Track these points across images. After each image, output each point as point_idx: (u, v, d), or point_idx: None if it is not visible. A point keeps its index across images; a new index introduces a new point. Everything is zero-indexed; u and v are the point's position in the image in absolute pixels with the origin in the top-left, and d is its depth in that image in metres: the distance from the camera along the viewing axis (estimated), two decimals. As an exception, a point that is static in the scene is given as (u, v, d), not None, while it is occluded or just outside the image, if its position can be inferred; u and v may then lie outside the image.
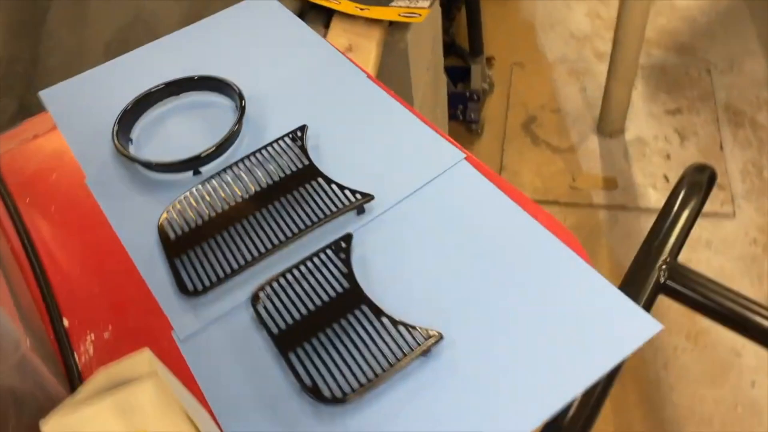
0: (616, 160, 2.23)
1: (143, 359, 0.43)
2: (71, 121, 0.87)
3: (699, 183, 0.97)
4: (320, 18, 1.42)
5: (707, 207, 1.02)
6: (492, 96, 2.43)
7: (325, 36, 1.35)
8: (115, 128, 0.81)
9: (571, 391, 0.56)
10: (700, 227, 2.06)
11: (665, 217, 0.93)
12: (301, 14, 1.42)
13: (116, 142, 0.79)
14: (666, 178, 2.17)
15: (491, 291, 0.64)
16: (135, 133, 0.85)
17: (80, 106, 0.89)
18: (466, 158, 0.76)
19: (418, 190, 0.74)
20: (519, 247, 0.67)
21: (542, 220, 0.69)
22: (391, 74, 1.35)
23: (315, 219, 0.70)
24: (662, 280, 0.90)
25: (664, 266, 0.90)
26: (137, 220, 0.75)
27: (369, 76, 0.88)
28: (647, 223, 2.11)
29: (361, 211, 0.72)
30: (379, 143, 0.80)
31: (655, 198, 2.13)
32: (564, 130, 2.32)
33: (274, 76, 0.90)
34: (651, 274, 0.90)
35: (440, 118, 1.85)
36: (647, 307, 0.93)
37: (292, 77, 0.89)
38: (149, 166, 0.78)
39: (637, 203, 2.13)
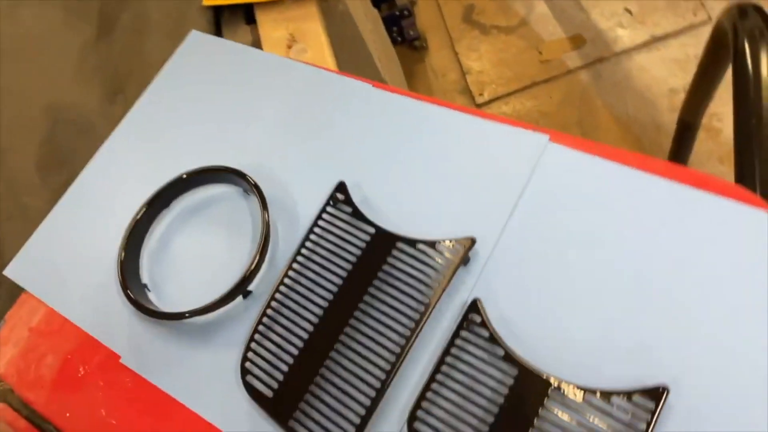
0: (572, 15, 2.07)
1: None
2: (63, 294, 0.69)
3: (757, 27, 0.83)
4: (238, 17, 1.22)
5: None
6: (418, 5, 2.23)
7: (257, 36, 1.15)
8: (120, 280, 0.64)
9: None
10: None
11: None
12: (217, 22, 1.21)
13: (131, 298, 0.63)
14: (628, 11, 2.03)
15: (686, 296, 0.52)
16: (145, 275, 0.68)
17: (62, 271, 0.71)
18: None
19: (518, 204, 0.59)
20: (670, 219, 0.54)
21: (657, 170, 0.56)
22: (343, 43, 1.17)
23: (423, 299, 0.56)
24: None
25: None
26: (213, 389, 0.60)
27: (376, 85, 0.71)
28: (630, 63, 1.99)
29: (467, 261, 0.58)
30: (439, 166, 0.64)
31: (627, 36, 2.00)
32: (506, 7, 2.14)
33: (260, 124, 0.72)
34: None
35: (392, 59, 1.66)
36: None
37: (284, 119, 0.72)
38: (187, 315, 0.62)
39: (612, 49, 2.00)
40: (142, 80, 0.83)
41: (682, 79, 2.01)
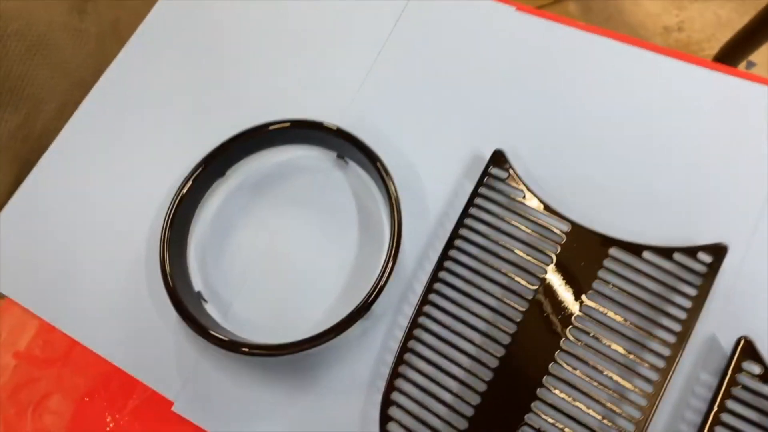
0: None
1: None
2: (70, 312, 0.47)
3: None
4: None
5: None
6: None
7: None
8: (168, 289, 0.43)
9: None
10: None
11: None
12: None
13: (191, 318, 0.42)
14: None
15: None
16: (197, 280, 0.46)
17: (65, 280, 0.48)
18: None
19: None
20: None
21: None
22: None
23: (668, 335, 0.38)
24: None
25: None
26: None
27: (520, 8, 0.50)
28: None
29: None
30: (648, 125, 0.45)
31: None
32: None
33: (350, 63, 0.51)
34: None
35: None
36: None
37: (393, 57, 0.51)
38: (288, 350, 0.41)
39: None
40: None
41: (676, 17, 1.87)
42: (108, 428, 0.44)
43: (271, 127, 0.46)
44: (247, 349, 0.41)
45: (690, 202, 0.43)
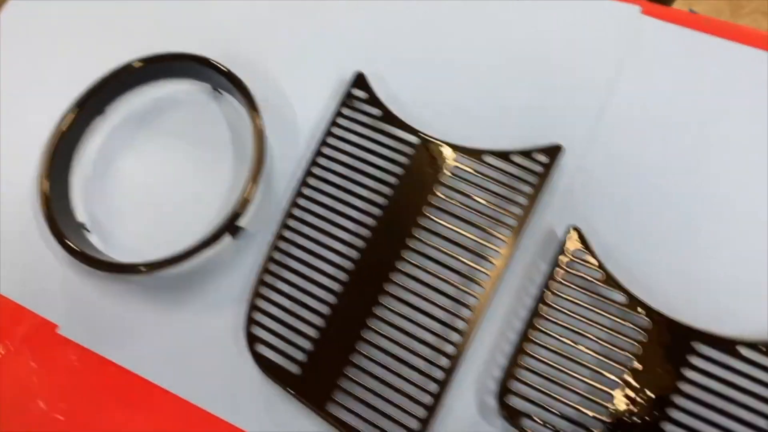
0: None
1: None
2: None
3: None
4: None
5: None
6: None
7: None
8: (47, 220, 0.45)
9: None
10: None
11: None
12: None
13: (67, 245, 0.44)
14: None
15: None
16: (80, 212, 0.48)
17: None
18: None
19: (611, 98, 0.45)
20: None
21: None
22: None
23: (502, 230, 0.41)
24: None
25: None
26: (202, 363, 0.44)
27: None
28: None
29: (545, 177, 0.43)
30: (498, 53, 0.48)
31: None
32: None
33: None
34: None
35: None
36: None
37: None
38: (160, 265, 0.43)
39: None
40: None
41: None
42: (0, 355, 0.46)
43: (136, 65, 0.48)
44: (121, 267, 0.43)
45: (532, 109, 0.46)
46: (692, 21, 0.46)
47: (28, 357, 0.46)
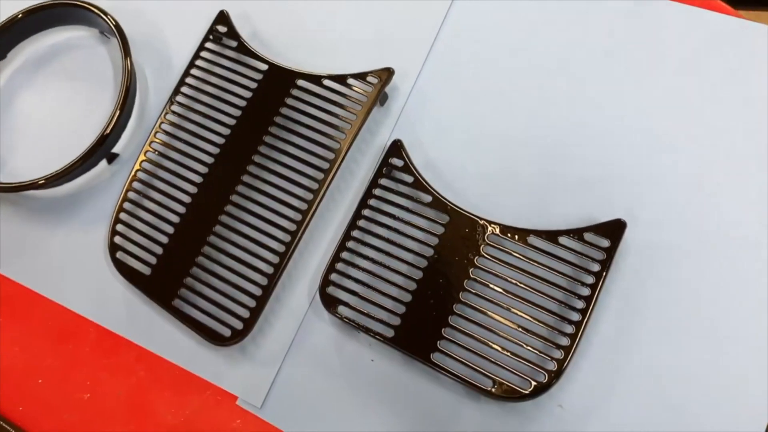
0: None
1: None
2: None
3: None
4: None
5: None
6: None
7: None
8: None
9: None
10: None
11: None
12: None
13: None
14: None
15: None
16: (-21, 144, 0.54)
17: None
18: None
19: (441, 30, 0.49)
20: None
21: None
22: None
23: (332, 144, 0.46)
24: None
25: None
26: (76, 274, 0.49)
27: None
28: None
29: (384, 99, 0.48)
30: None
31: None
32: None
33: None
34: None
35: None
36: None
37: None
38: (40, 183, 0.48)
39: None
40: None
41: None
42: None
43: (20, 16, 0.53)
44: (7, 188, 0.48)
45: (372, 41, 0.50)
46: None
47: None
